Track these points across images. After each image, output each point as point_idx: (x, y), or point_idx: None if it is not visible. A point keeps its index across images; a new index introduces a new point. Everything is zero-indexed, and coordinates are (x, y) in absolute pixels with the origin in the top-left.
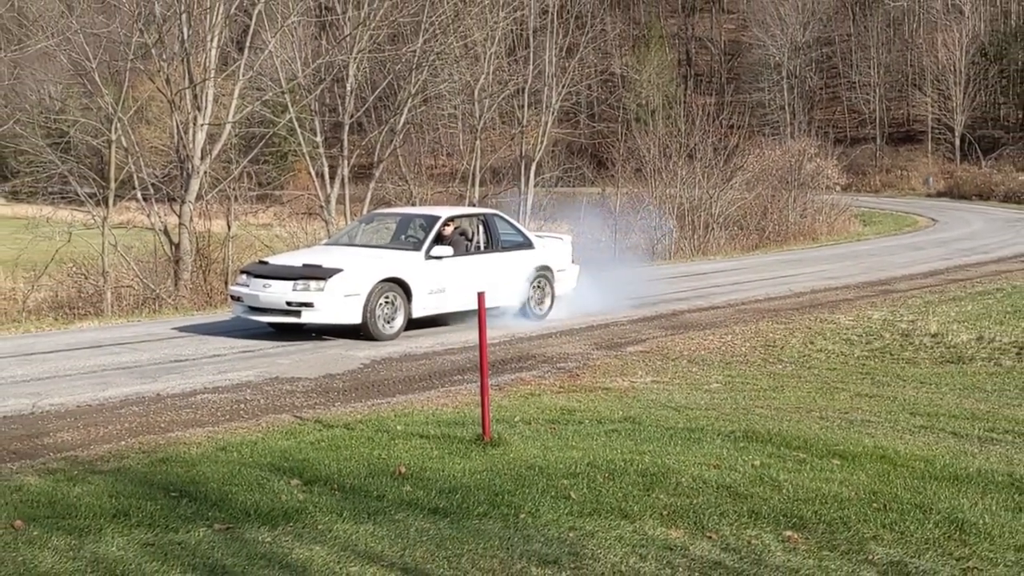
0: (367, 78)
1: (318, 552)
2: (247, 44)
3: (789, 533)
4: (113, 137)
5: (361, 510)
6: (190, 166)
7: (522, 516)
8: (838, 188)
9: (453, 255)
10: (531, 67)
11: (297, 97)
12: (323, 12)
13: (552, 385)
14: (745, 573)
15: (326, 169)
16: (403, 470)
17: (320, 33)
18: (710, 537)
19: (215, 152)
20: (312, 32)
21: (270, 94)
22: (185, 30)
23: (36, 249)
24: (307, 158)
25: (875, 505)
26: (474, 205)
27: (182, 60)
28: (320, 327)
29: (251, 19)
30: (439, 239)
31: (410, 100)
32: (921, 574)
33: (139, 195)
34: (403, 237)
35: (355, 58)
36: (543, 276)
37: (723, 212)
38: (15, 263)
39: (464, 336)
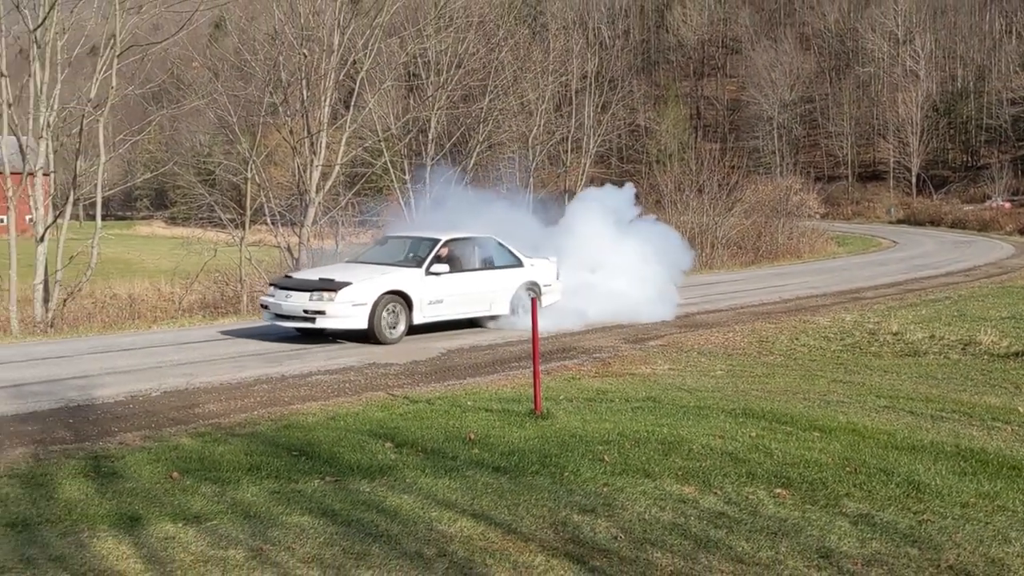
0: (444, 129)
1: (406, 500)
2: (352, 103)
3: (779, 490)
4: (248, 175)
5: (439, 468)
6: (307, 198)
7: (566, 474)
8: (817, 216)
9: (450, 271)
10: (573, 120)
11: (390, 144)
12: (411, 78)
13: (589, 371)
14: (744, 522)
15: (413, 200)
16: (472, 436)
17: (408, 94)
18: (716, 493)
19: (327, 187)
20: (402, 93)
21: (369, 142)
22: (304, 92)
23: (189, 262)
24: (397, 192)
25: (847, 469)
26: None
27: (302, 115)
28: (332, 331)
29: (355, 84)
30: (438, 258)
31: (478, 147)
32: (885, 524)
33: (268, 220)
34: (409, 256)
35: (435, 113)
36: (531, 290)
37: (725, 235)
38: (173, 273)
39: (519, 332)
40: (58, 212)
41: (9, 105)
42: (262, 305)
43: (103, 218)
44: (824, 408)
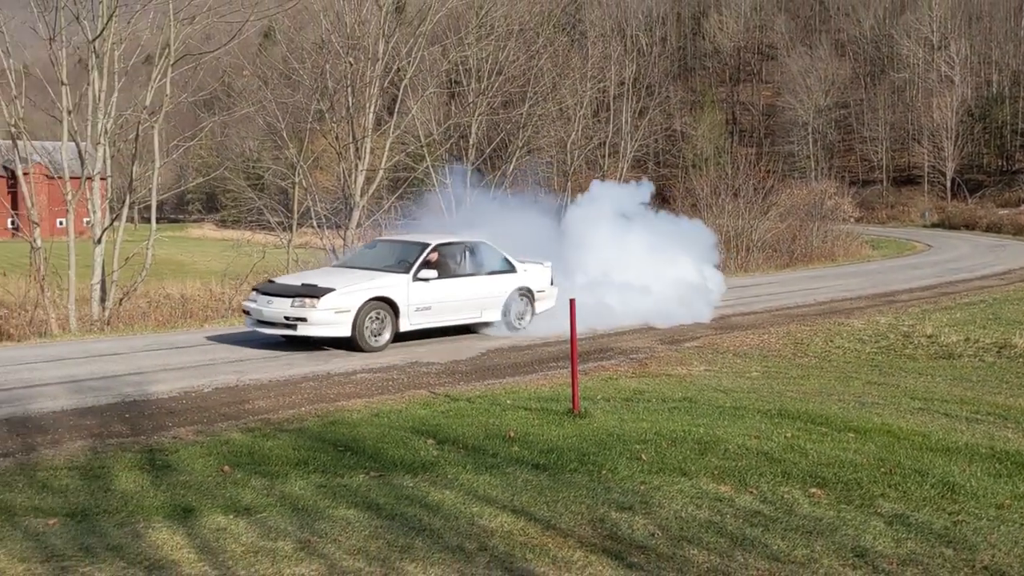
0: (485, 134)
1: (448, 495)
2: (396, 109)
3: (814, 490)
4: (296, 180)
5: (480, 464)
6: (352, 201)
7: (604, 472)
8: (852, 220)
9: (438, 277)
10: (611, 125)
11: (432, 149)
12: (452, 84)
13: (626, 371)
14: (779, 520)
15: (454, 204)
16: (512, 434)
17: (450, 100)
18: (751, 492)
19: (371, 191)
20: (444, 100)
21: (412, 147)
22: (350, 99)
23: (239, 263)
24: (439, 196)
25: (882, 469)
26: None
27: (347, 122)
28: (315, 339)
29: (399, 90)
30: (427, 263)
31: (517, 152)
32: (920, 524)
33: (315, 223)
34: (397, 261)
35: (476, 119)
36: (524, 296)
37: (761, 238)
38: (223, 273)
39: (557, 333)
40: (114, 215)
41: (69, 112)
42: (244, 310)
43: (157, 221)
44: (859, 409)
